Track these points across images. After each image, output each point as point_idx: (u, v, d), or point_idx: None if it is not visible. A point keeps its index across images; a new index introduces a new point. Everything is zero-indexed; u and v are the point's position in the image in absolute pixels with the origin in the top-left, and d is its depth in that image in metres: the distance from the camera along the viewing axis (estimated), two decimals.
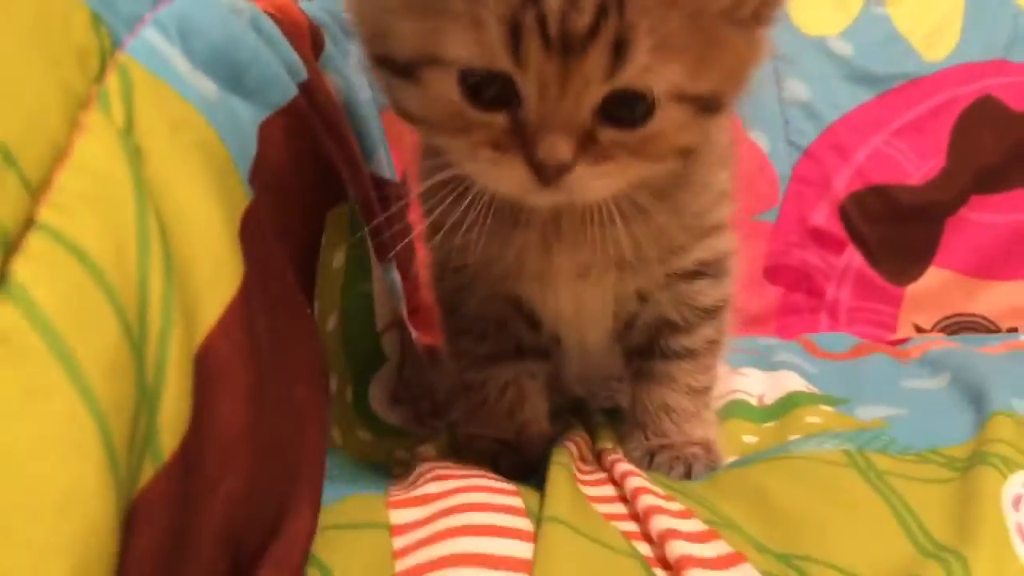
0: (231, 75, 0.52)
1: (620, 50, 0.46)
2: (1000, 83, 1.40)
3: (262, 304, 0.45)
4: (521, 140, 0.48)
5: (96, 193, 0.36)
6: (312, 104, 0.66)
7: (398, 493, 0.56)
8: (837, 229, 1.38)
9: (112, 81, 0.41)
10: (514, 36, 0.45)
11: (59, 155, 0.36)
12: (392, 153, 1.02)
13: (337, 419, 0.65)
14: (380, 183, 0.90)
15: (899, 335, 1.33)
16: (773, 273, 1.38)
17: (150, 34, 0.46)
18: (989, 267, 1.36)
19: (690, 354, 0.68)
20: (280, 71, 0.57)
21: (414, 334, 0.82)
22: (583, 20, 0.45)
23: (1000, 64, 1.41)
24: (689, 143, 0.54)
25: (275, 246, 0.50)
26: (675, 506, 0.55)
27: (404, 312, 0.81)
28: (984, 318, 1.34)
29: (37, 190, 0.35)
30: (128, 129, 0.40)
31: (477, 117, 0.48)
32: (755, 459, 0.65)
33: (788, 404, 0.75)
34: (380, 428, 0.70)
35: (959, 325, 1.34)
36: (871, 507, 0.56)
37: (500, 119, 0.48)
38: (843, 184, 1.39)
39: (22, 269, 0.33)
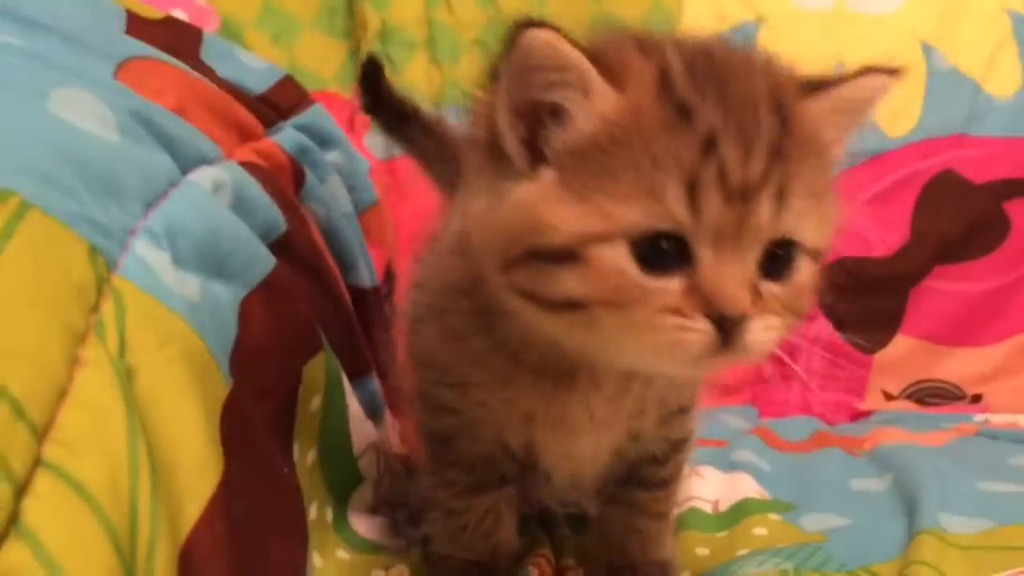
0: (214, 264, 0.58)
1: (782, 198, 0.48)
2: (959, 156, 1.47)
3: (242, 486, 0.51)
4: (700, 300, 0.48)
5: (93, 427, 0.43)
6: (290, 254, 0.72)
7: None
8: None
9: (107, 308, 0.47)
10: (691, 192, 0.47)
11: (61, 394, 0.43)
12: (371, 252, 1.08)
13: (318, 544, 0.71)
14: (360, 293, 0.97)
15: (868, 401, 1.39)
16: None
17: (141, 247, 0.52)
18: (953, 334, 1.42)
19: (663, 483, 0.72)
20: (258, 246, 0.64)
21: (392, 446, 0.89)
22: (758, 167, 0.47)
23: (959, 139, 1.48)
24: (812, 299, 0.56)
25: (254, 419, 0.57)
26: None
27: (385, 431, 0.88)
28: (950, 383, 1.40)
29: (43, 431, 0.41)
30: (121, 352, 0.47)
31: (653, 286, 0.48)
32: None
33: (739, 512, 0.81)
34: (358, 545, 0.76)
35: (926, 391, 1.40)
36: None
37: (675, 285, 0.48)
38: None
39: (31, 509, 0.39)
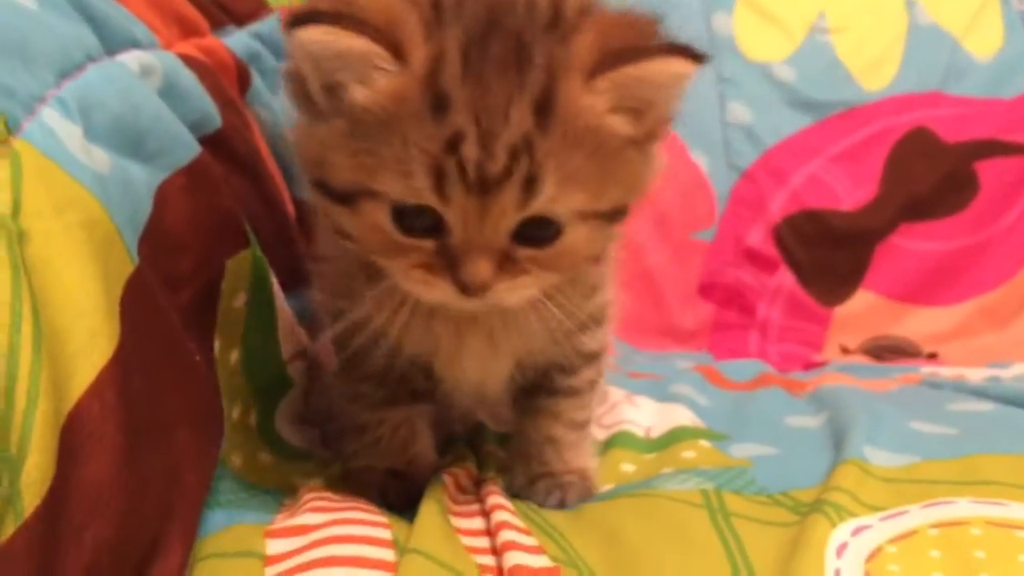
0: (130, 143, 0.57)
1: (530, 186, 0.53)
2: (934, 115, 1.46)
3: (141, 363, 0.50)
4: (448, 263, 0.55)
5: None
6: (224, 152, 0.71)
7: (279, 521, 0.62)
8: (771, 250, 1.43)
9: (2, 168, 0.46)
10: (438, 179, 0.52)
11: None
12: None
13: (240, 444, 0.70)
14: (304, 206, 0.96)
15: (825, 354, 1.39)
16: (707, 290, 1.43)
17: (48, 114, 0.51)
18: (914, 292, 1.42)
19: (574, 392, 0.74)
20: (182, 132, 0.63)
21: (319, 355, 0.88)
22: (496, 166, 0.52)
23: (935, 96, 1.46)
24: (596, 252, 0.62)
25: (162, 303, 0.56)
26: (529, 541, 0.61)
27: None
28: (907, 340, 1.40)
29: None
30: (14, 213, 0.45)
31: (408, 243, 0.55)
32: (618, 493, 0.71)
33: (671, 438, 0.81)
34: (284, 450, 0.75)
35: (883, 347, 1.40)
36: (709, 548, 0.61)
37: (429, 245, 0.55)
38: (779, 207, 1.44)
39: None
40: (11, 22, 0.53)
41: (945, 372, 1.10)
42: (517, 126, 0.52)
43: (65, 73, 0.54)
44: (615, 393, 0.88)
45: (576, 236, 0.57)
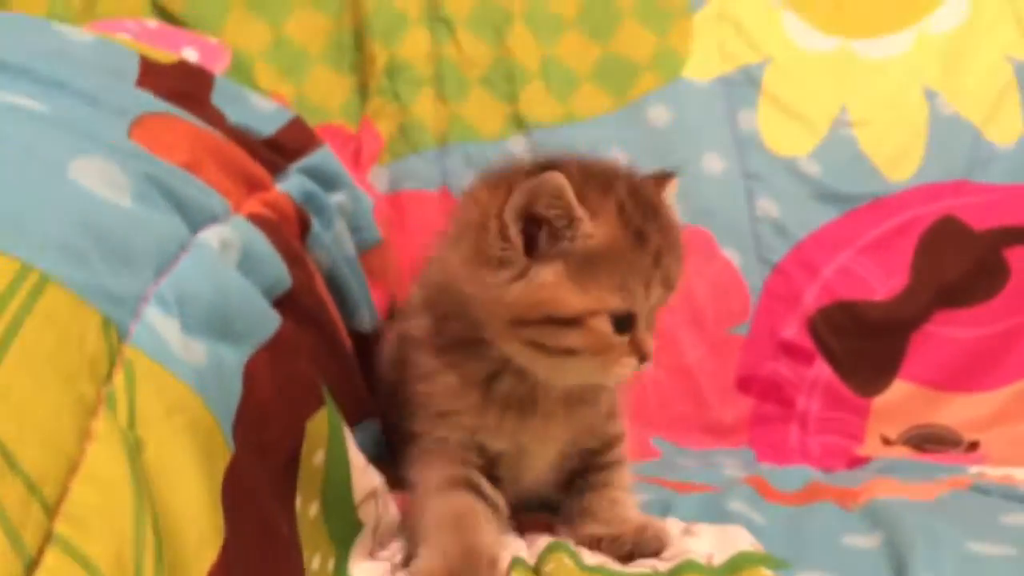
0: (221, 328, 0.60)
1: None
2: (961, 203, 1.49)
3: (242, 550, 0.53)
4: (635, 348, 0.76)
5: (102, 502, 0.44)
6: (295, 310, 0.74)
7: None
8: (806, 342, 1.45)
9: (118, 379, 0.49)
10: (646, 288, 0.75)
11: (72, 468, 0.44)
12: (373, 292, 1.10)
13: None
14: (361, 338, 0.99)
15: (866, 445, 1.40)
16: (745, 384, 1.45)
17: (151, 314, 0.54)
18: (952, 380, 1.44)
19: (608, 465, 0.90)
20: (263, 306, 0.66)
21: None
22: (679, 267, 0.79)
23: (961, 184, 1.49)
24: None
25: (256, 480, 0.58)
26: None
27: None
28: (948, 429, 1.41)
29: (54, 506, 0.43)
30: (131, 423, 0.48)
31: (617, 341, 0.75)
32: None
33: (733, 566, 0.82)
34: None
35: (924, 437, 1.41)
36: None
37: (627, 339, 0.76)
38: (812, 299, 1.46)
39: None
40: (114, 225, 0.56)
41: (992, 473, 1.11)
42: (678, 237, 0.79)
43: (162, 268, 0.58)
44: (673, 526, 0.90)
45: None
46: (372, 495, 0.79)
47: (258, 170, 0.85)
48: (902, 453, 1.35)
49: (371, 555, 0.83)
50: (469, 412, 0.83)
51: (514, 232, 0.72)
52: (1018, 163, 1.50)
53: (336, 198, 1.05)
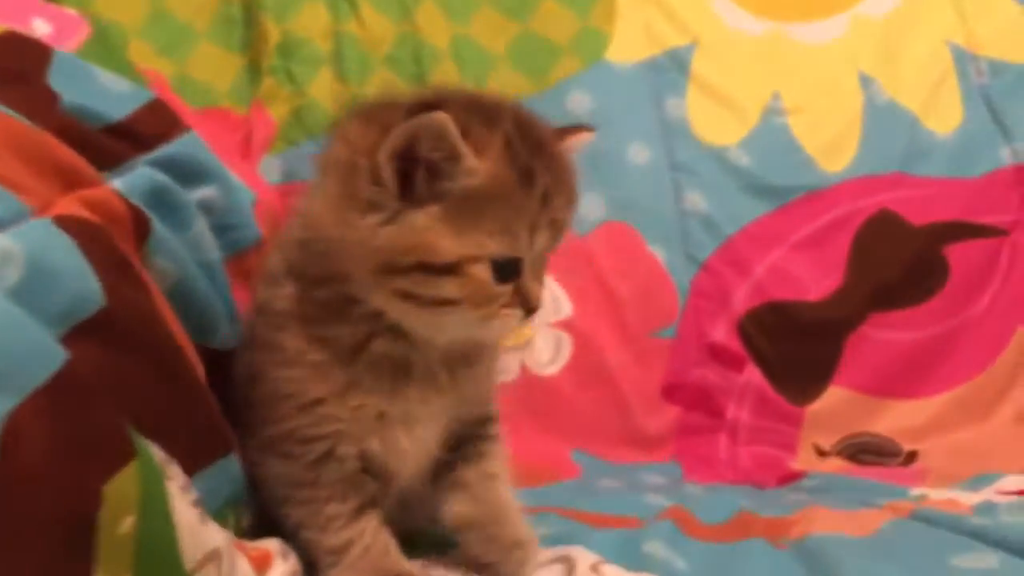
0: None
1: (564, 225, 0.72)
2: (898, 196, 1.40)
3: None
4: (521, 298, 0.69)
5: None
6: (107, 334, 0.60)
7: None
8: (736, 346, 1.35)
9: None
10: (531, 231, 0.67)
11: None
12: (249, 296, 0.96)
13: None
14: (223, 356, 0.85)
15: (799, 457, 1.30)
16: (671, 392, 1.34)
17: None
18: (888, 386, 1.35)
19: (493, 438, 0.81)
20: (39, 342, 0.51)
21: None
22: (568, 210, 0.71)
23: (898, 177, 1.40)
24: None
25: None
26: None
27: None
28: (885, 438, 1.33)
29: None
30: None
31: (499, 290, 0.68)
32: None
33: None
34: None
35: (860, 446, 1.32)
36: None
37: (510, 287, 0.69)
38: (742, 299, 1.36)
39: None
40: None
41: (934, 496, 1.01)
42: (571, 176, 0.71)
43: None
44: (582, 560, 0.78)
45: None
46: (212, 557, 0.66)
47: (81, 164, 0.70)
48: (838, 467, 1.26)
49: None
50: (336, 399, 0.73)
51: (388, 174, 0.65)
52: (958, 154, 1.41)
53: (201, 193, 0.90)
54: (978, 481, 1.08)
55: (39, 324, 0.52)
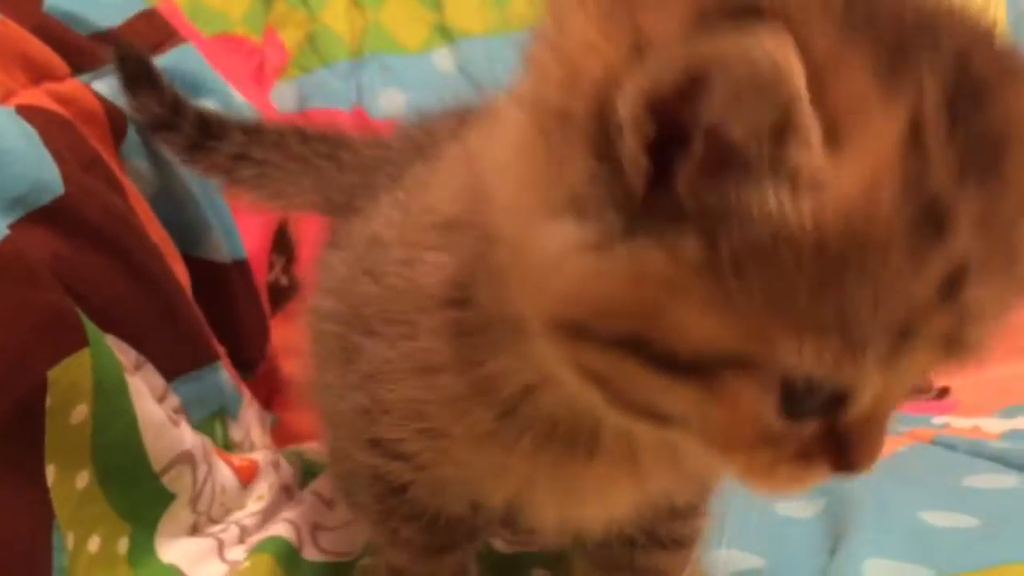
0: None
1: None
2: None
3: None
4: (835, 446, 0.37)
5: None
6: (67, 225, 0.58)
7: None
8: None
9: None
10: (898, 346, 0.33)
11: None
12: (250, 216, 0.94)
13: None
14: (213, 268, 0.83)
15: None
16: None
17: None
18: None
19: (686, 543, 0.58)
20: None
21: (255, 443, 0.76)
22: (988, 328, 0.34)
23: None
24: None
25: None
26: None
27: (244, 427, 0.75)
28: None
29: None
30: None
31: (785, 430, 0.37)
32: None
33: None
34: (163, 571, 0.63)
35: None
36: None
37: (812, 427, 0.37)
38: None
39: None
40: None
41: (958, 424, 0.96)
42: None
43: None
44: None
45: None
46: (183, 459, 0.64)
47: (46, 56, 0.69)
48: None
49: (194, 531, 0.68)
50: (468, 444, 0.47)
51: (632, 145, 0.32)
52: None
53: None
54: (1010, 412, 1.03)
55: None
